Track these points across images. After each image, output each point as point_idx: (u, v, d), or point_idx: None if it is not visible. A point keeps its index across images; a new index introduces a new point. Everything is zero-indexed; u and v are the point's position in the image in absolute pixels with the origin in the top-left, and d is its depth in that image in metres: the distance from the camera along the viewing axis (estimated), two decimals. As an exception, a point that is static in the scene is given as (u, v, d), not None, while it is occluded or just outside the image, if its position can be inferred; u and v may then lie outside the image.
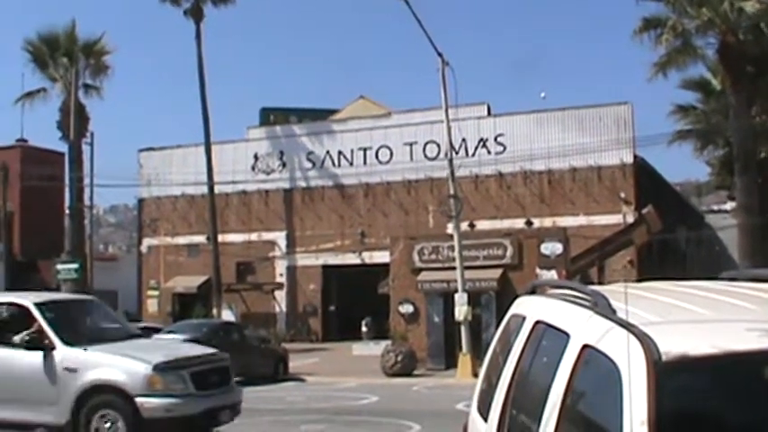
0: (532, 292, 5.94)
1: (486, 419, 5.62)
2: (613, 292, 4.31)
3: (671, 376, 3.37)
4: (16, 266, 64.59)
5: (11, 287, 54.25)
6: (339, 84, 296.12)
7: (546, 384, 4.33)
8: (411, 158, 53.67)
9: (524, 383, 5.05)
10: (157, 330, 32.94)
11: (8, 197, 56.31)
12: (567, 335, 4.30)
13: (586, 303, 4.34)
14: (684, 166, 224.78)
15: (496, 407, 5.35)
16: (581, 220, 48.96)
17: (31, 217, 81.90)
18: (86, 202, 50.52)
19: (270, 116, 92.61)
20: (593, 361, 3.89)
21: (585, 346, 3.99)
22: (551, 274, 33.96)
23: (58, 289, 54.27)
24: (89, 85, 50.98)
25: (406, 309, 37.74)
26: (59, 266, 47.90)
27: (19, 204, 78.28)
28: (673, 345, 3.49)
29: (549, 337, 4.76)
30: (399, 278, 38.56)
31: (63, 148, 52.88)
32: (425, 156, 53.00)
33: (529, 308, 5.58)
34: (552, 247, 36.79)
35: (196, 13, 50.56)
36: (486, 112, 53.79)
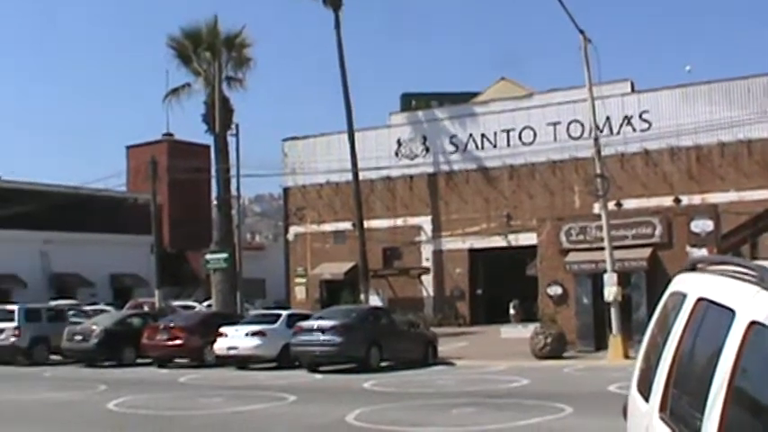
0: (693, 269, 5.75)
1: (647, 400, 5.49)
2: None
3: None
4: (166, 257, 65.98)
5: (161, 278, 55.42)
6: (479, 66, 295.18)
7: (710, 363, 4.19)
8: (555, 139, 53.20)
9: (687, 362, 4.90)
10: (306, 317, 33.33)
11: (157, 190, 57.46)
12: (733, 311, 4.15)
13: (752, 279, 4.18)
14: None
15: (658, 387, 5.22)
16: (731, 196, 47.84)
17: (179, 209, 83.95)
18: (232, 192, 51.13)
19: (411, 101, 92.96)
20: (761, 338, 3.75)
21: (753, 323, 3.85)
22: (702, 252, 33.25)
23: (207, 279, 55.35)
24: (232, 77, 51.67)
25: (555, 290, 37.39)
26: (208, 256, 48.70)
27: (167, 197, 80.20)
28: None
29: (712, 315, 4.61)
30: (547, 260, 38.21)
31: (208, 140, 53.71)
32: (569, 135, 52.48)
33: (690, 285, 5.42)
34: (702, 225, 35.96)
35: (334, 2, 50.80)
36: (629, 89, 52.95)
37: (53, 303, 52.94)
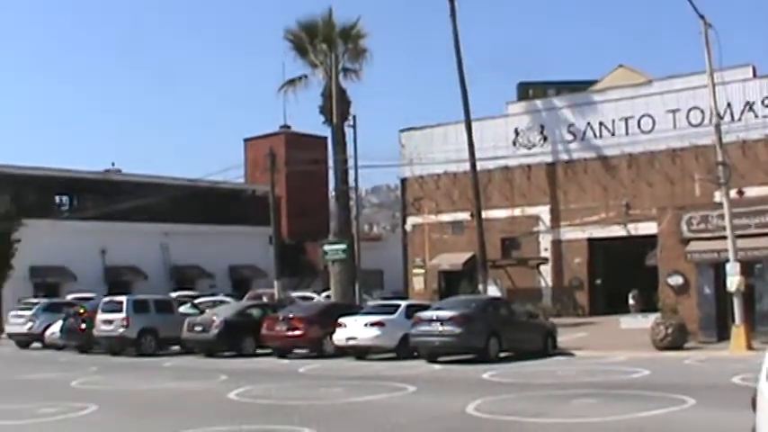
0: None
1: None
2: None
3: None
4: (284, 249, 66.70)
5: (280, 269, 56.06)
6: (597, 54, 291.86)
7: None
8: (674, 126, 52.44)
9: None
10: (425, 307, 33.38)
11: (275, 182, 58.10)
12: None
13: None
14: None
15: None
16: None
17: (297, 200, 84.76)
18: (350, 183, 51.38)
19: (528, 90, 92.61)
20: None
21: None
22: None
23: (325, 269, 55.78)
24: (348, 68, 51.86)
25: (675, 280, 36.87)
26: (327, 247, 49.03)
27: (285, 188, 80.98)
28: None
29: None
30: (667, 249, 37.68)
31: (325, 132, 54.10)
32: (689, 123, 51.67)
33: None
34: (828, 213, 35.10)
35: (449, -9, 50.60)
36: (751, 74, 51.81)
37: (174, 295, 53.97)
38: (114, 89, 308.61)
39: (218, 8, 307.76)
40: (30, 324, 47.61)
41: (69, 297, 56.00)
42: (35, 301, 52.98)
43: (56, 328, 44.50)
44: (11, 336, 49.85)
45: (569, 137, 56.67)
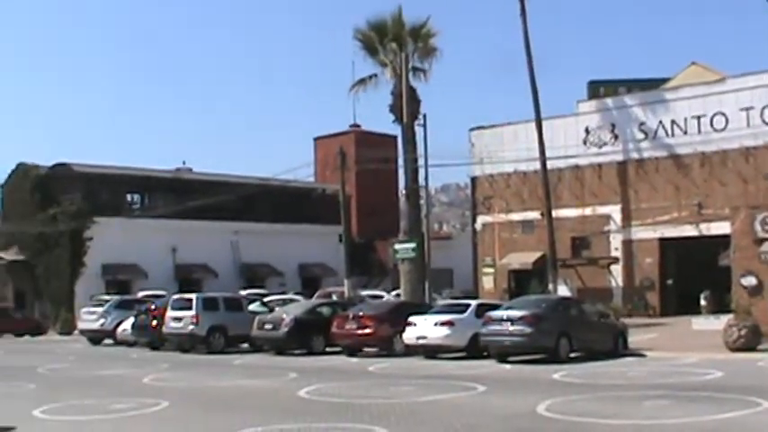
0: None
1: None
2: None
3: None
4: (354, 247, 66.88)
5: (350, 267, 56.28)
6: (668, 52, 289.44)
7: None
8: (748, 124, 51.79)
9: None
10: (495, 307, 33.27)
11: (345, 180, 58.34)
12: None
13: None
14: None
15: None
16: None
17: (367, 199, 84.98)
18: (420, 182, 51.33)
19: (599, 89, 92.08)
20: None
21: None
22: None
23: (395, 268, 55.80)
24: (417, 68, 51.81)
25: (749, 281, 36.36)
26: (397, 246, 48.99)
27: (355, 187, 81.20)
28: None
29: None
30: (741, 249, 37.19)
31: (394, 130, 54.16)
32: (763, 121, 51.09)
33: None
34: None
35: (520, -11, 50.42)
36: (827, 71, 51.18)
37: (244, 293, 54.32)
38: (185, 89, 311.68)
39: (288, 9, 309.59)
40: (102, 321, 48.33)
41: (140, 294, 56.76)
42: (107, 298, 53.84)
43: (127, 324, 45.10)
44: (83, 332, 50.62)
45: (641, 135, 56.17)
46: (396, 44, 50.16)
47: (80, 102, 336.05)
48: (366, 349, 35.08)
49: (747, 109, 51.96)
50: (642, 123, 56.18)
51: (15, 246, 72.62)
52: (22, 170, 74.40)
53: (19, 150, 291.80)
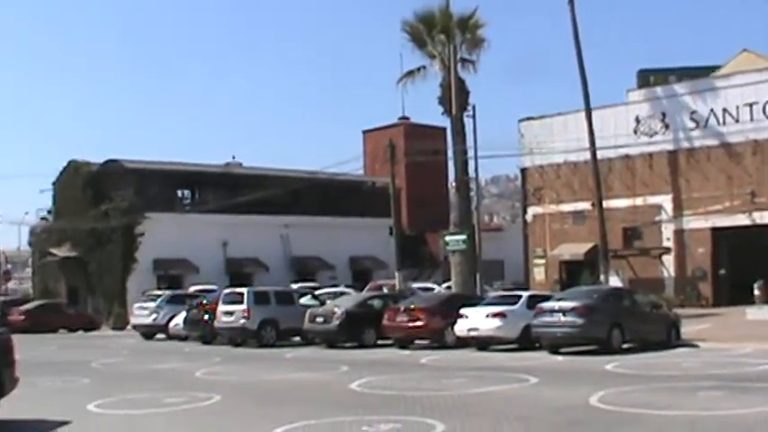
0: None
1: None
2: None
3: None
4: (404, 240, 66.89)
5: (401, 260, 56.34)
6: (718, 39, 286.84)
7: None
8: (801, 111, 51.36)
9: None
10: (546, 298, 33.15)
11: (395, 173, 58.36)
12: None
13: None
14: None
15: None
16: None
17: (417, 191, 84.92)
18: (470, 174, 51.20)
19: (649, 78, 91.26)
20: None
21: None
22: None
23: (445, 260, 55.76)
24: (466, 59, 51.61)
25: (803, 270, 36.09)
26: (448, 238, 48.86)
27: (405, 179, 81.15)
28: None
29: None
30: (794, 238, 36.90)
31: (443, 122, 54.04)
32: (816, 108, 50.61)
33: None
34: None
35: (568, -22, 50.17)
36: None
37: (294, 286, 54.49)
38: (234, 85, 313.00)
39: (337, 2, 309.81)
40: (154, 315, 48.71)
41: (192, 289, 57.09)
42: (159, 293, 54.18)
43: (179, 319, 45.39)
44: (136, 327, 51.03)
45: (691, 124, 55.73)
46: (444, 36, 49.99)
47: (130, 98, 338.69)
48: (417, 342, 35.03)
49: (801, 95, 51.53)
50: (693, 112, 55.72)
51: (68, 242, 73.31)
52: (73, 167, 75.10)
53: (70, 148, 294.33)
